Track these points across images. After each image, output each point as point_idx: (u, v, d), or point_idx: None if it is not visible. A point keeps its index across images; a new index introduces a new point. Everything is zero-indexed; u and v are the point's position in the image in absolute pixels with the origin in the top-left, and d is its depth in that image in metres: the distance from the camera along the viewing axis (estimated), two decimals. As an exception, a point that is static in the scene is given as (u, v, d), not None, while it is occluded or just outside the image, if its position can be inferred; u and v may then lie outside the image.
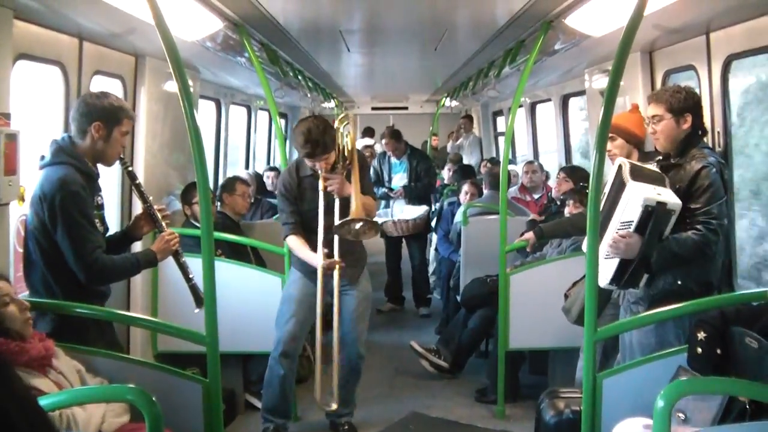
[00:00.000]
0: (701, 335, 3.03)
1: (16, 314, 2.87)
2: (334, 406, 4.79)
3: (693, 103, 3.73)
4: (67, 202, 3.37)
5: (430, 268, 9.25)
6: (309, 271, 4.79)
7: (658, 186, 3.53)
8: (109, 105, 3.57)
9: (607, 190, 3.78)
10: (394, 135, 8.88)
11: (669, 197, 3.48)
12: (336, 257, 4.69)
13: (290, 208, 4.84)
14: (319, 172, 4.72)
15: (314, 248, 4.72)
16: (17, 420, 1.38)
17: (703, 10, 4.18)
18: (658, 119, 3.75)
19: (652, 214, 3.45)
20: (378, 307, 8.56)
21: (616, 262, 3.60)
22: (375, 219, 5.02)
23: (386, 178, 8.91)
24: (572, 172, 6.28)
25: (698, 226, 3.51)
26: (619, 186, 3.65)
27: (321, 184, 4.72)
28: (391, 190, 8.81)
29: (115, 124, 3.58)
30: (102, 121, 3.53)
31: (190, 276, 3.73)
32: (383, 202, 8.98)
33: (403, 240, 8.64)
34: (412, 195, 8.70)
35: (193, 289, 3.71)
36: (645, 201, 3.45)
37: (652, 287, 3.67)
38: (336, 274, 4.69)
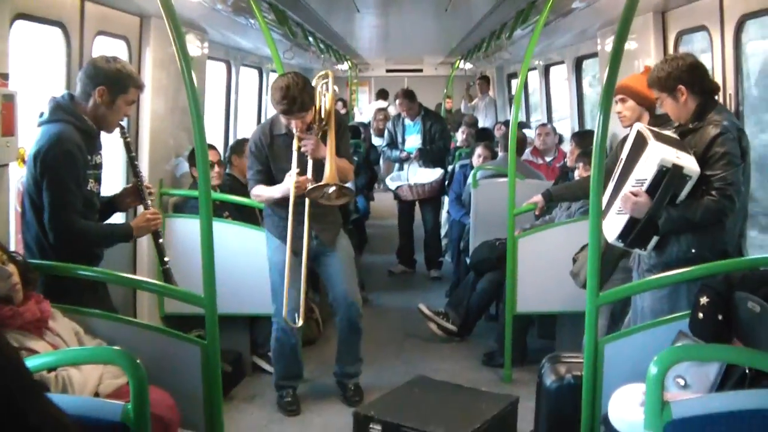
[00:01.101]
0: (704, 300, 3.00)
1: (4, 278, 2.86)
2: (300, 322, 4.71)
3: (680, 73, 3.60)
4: (59, 160, 3.35)
5: (442, 231, 9.21)
6: (283, 236, 4.71)
7: (679, 150, 3.47)
8: (116, 71, 3.53)
9: (625, 152, 3.72)
10: (407, 95, 8.72)
11: (688, 162, 3.41)
12: (306, 220, 4.60)
13: (258, 167, 4.77)
14: (294, 131, 4.62)
15: (285, 211, 4.61)
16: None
17: (717, -32, 4.09)
18: (660, 101, 3.71)
19: (666, 175, 3.39)
20: (390, 269, 8.76)
21: (625, 218, 3.56)
22: (349, 185, 4.92)
23: (400, 140, 8.76)
24: (582, 139, 6.19)
25: (713, 192, 3.43)
26: (640, 145, 3.58)
27: (295, 144, 4.63)
28: (406, 153, 8.65)
29: (120, 91, 3.55)
30: (107, 86, 3.50)
31: (165, 260, 3.72)
32: (396, 165, 8.97)
33: (417, 202, 8.61)
34: (427, 158, 8.55)
35: (166, 273, 3.71)
36: (661, 161, 3.39)
37: (666, 254, 3.61)
38: (306, 228, 4.60)
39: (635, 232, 3.54)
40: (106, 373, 2.95)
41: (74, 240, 3.47)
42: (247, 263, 5.12)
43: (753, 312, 2.79)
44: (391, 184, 8.61)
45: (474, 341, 6.25)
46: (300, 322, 4.68)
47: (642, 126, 3.71)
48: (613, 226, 3.60)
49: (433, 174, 8.36)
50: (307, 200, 4.60)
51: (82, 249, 3.54)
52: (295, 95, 4.47)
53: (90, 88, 3.50)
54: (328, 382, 5.23)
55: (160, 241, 3.79)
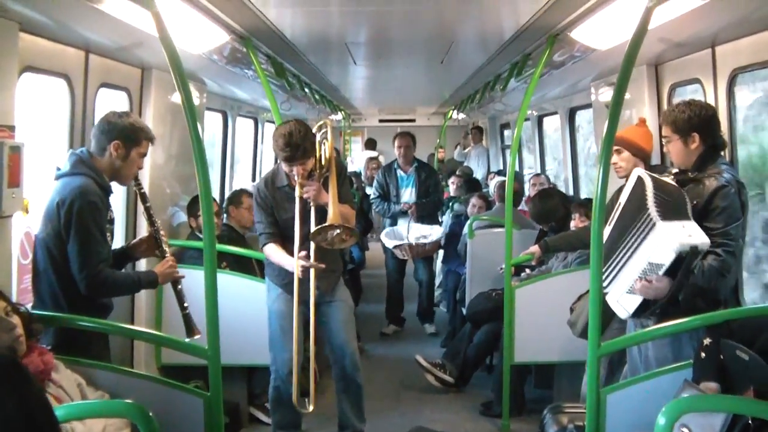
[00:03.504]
0: (707, 341, 3.06)
1: (1, 336, 2.86)
2: (311, 408, 4.70)
3: (699, 122, 3.62)
4: (85, 210, 3.44)
5: (437, 281, 9.20)
6: (285, 284, 4.76)
7: (684, 221, 3.40)
8: (129, 125, 3.65)
9: (623, 200, 3.72)
10: (409, 134, 8.44)
11: (699, 237, 3.34)
12: (312, 272, 4.61)
13: (268, 218, 4.78)
14: (296, 178, 4.65)
15: (291, 256, 4.63)
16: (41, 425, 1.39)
17: (709, 23, 4.17)
18: (668, 140, 3.71)
19: (685, 258, 3.34)
20: (382, 330, 8.34)
21: (639, 299, 3.51)
22: (385, 242, 4.92)
23: (393, 192, 8.29)
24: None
25: (717, 250, 3.42)
26: (639, 205, 3.53)
27: (297, 191, 4.65)
28: (408, 205, 8.08)
29: (134, 144, 3.66)
30: (121, 141, 3.62)
31: (185, 305, 3.76)
32: (388, 221, 8.48)
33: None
34: (423, 212, 8.14)
35: (187, 318, 3.75)
36: (679, 246, 3.31)
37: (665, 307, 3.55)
38: (312, 280, 4.61)
39: (651, 310, 3.51)
40: (109, 425, 2.93)
41: (103, 289, 3.53)
42: (245, 313, 5.10)
43: (742, 360, 2.84)
44: (388, 242, 7.86)
45: (471, 391, 6.23)
46: (310, 407, 4.69)
47: (642, 171, 3.69)
48: (625, 305, 3.56)
49: (433, 231, 7.92)
50: (312, 248, 4.61)
51: (107, 298, 3.62)
52: (298, 142, 4.51)
53: (105, 143, 3.61)
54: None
55: (180, 287, 3.83)
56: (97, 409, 2.79)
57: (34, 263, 3.56)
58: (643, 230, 3.50)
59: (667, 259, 3.37)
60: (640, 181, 3.63)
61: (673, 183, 3.63)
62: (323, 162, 4.80)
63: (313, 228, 4.60)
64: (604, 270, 3.56)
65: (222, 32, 4.93)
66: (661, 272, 3.40)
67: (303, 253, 4.58)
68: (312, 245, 4.61)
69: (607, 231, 3.70)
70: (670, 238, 3.34)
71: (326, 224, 4.54)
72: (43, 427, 1.43)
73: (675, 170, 3.77)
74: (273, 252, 4.76)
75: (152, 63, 5.17)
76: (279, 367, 4.74)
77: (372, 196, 8.66)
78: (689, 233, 3.35)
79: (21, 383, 1.42)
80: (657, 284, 3.42)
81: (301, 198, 4.64)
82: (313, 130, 4.82)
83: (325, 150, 4.84)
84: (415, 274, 8.32)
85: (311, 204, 4.66)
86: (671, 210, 3.46)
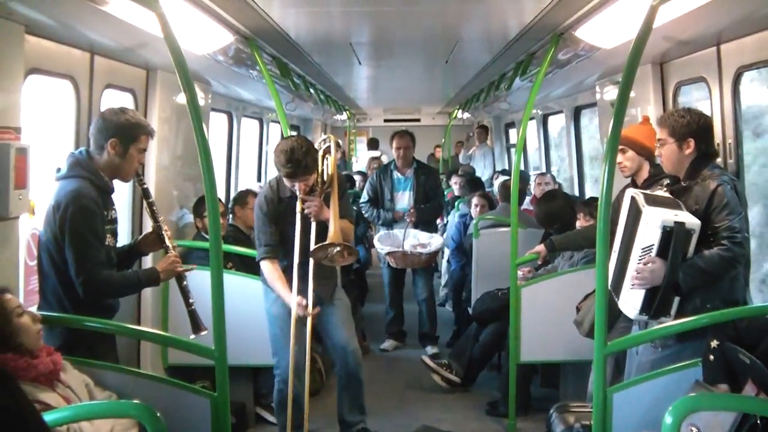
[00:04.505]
0: (714, 343, 3.05)
1: (29, 325, 2.89)
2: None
3: (697, 128, 3.66)
4: (77, 215, 3.41)
5: (442, 281, 9.20)
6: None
7: (675, 209, 3.49)
8: (125, 121, 3.60)
9: (622, 221, 3.74)
10: (408, 133, 7.70)
11: (686, 217, 3.43)
12: (310, 281, 4.63)
13: (270, 228, 4.75)
14: (297, 193, 4.65)
15: (290, 272, 4.65)
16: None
17: (714, 21, 4.17)
18: (662, 143, 3.73)
19: (672, 234, 3.38)
20: (381, 347, 7.59)
21: (642, 291, 3.52)
22: (378, 246, 4.88)
23: (388, 196, 7.51)
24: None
25: (723, 242, 3.44)
26: (635, 215, 3.60)
27: (299, 206, 4.66)
28: (401, 213, 7.36)
29: (131, 141, 3.61)
30: (118, 138, 3.57)
31: (191, 301, 3.73)
32: (381, 227, 7.68)
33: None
34: (422, 218, 7.35)
35: (192, 315, 3.72)
36: (663, 222, 3.39)
37: (681, 313, 3.52)
38: (310, 293, 4.63)
39: (657, 300, 3.49)
40: (117, 425, 2.94)
41: (102, 291, 3.52)
42: (250, 314, 5.09)
43: (744, 362, 2.84)
44: (381, 248, 7.13)
45: (476, 391, 6.23)
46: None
47: (635, 191, 3.74)
48: (631, 302, 3.56)
49: (432, 241, 7.13)
50: (311, 260, 4.63)
51: (109, 299, 3.61)
52: (300, 158, 4.50)
53: (102, 141, 3.57)
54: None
55: (185, 284, 3.78)
56: (105, 410, 2.80)
57: (39, 265, 3.56)
58: (635, 226, 3.56)
59: (654, 238, 3.43)
60: (633, 202, 3.67)
61: (667, 194, 3.65)
62: (325, 178, 4.80)
63: (313, 241, 4.63)
64: (613, 285, 3.59)
65: (226, 33, 4.94)
66: (653, 254, 3.44)
67: (303, 300, 4.58)
68: (311, 260, 4.64)
69: (613, 258, 3.71)
70: (655, 218, 3.42)
71: (327, 242, 4.56)
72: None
73: (666, 181, 3.80)
74: (269, 274, 4.75)
75: (157, 64, 5.18)
76: (282, 370, 4.75)
77: (361, 200, 7.88)
78: (675, 213, 3.42)
79: (11, 390, 1.42)
80: (651, 267, 3.45)
81: (302, 212, 4.66)
82: (316, 145, 4.82)
83: (327, 165, 4.84)
84: (415, 292, 7.51)
85: (312, 219, 4.68)
86: (661, 204, 3.52)
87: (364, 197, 7.75)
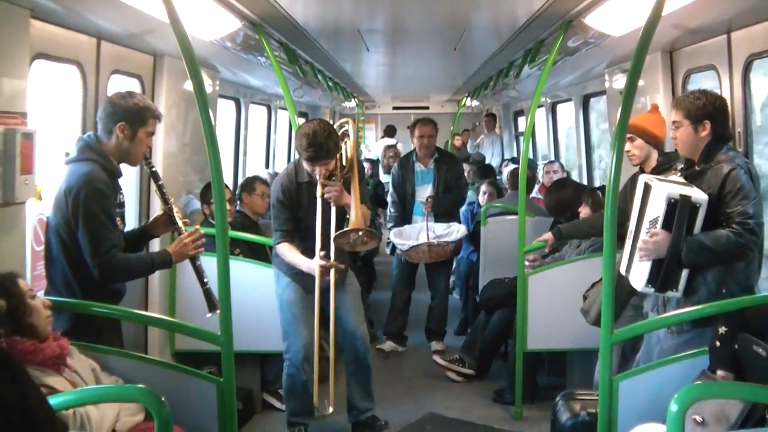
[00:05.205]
0: (722, 329, 3.05)
1: (41, 308, 2.91)
2: (331, 410, 4.80)
3: (713, 110, 3.63)
4: (91, 198, 3.41)
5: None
6: (294, 273, 4.78)
7: (684, 186, 3.49)
8: (134, 105, 3.60)
9: (636, 205, 3.74)
10: (431, 121, 7.18)
11: (694, 192, 3.43)
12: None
13: (286, 215, 4.75)
14: (317, 178, 4.64)
15: (309, 256, 4.65)
16: (25, 417, 1.38)
17: (724, 9, 4.13)
18: (677, 125, 3.70)
19: (676, 207, 3.40)
20: (378, 346, 6.99)
21: (649, 263, 3.54)
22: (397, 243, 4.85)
23: (410, 191, 7.08)
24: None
25: (735, 226, 3.42)
26: (646, 193, 3.62)
27: (319, 191, 4.64)
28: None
29: (139, 124, 3.61)
30: (127, 122, 3.57)
31: (205, 281, 3.72)
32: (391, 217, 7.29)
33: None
34: (440, 208, 6.93)
35: (207, 293, 3.70)
36: (668, 195, 3.41)
37: (696, 296, 3.53)
38: (332, 275, 4.63)
39: (663, 271, 3.50)
40: (124, 410, 2.96)
41: (117, 273, 3.54)
42: (258, 300, 5.11)
43: (759, 355, 2.82)
44: (400, 243, 6.74)
45: (484, 379, 6.23)
46: (330, 409, 4.78)
47: (648, 177, 3.74)
48: (639, 275, 3.58)
49: (452, 229, 6.78)
50: (332, 246, 4.63)
51: (122, 281, 3.65)
52: (321, 142, 4.48)
53: (111, 126, 3.57)
54: (340, 419, 5.19)
55: (198, 263, 3.77)
56: (110, 394, 2.81)
57: (47, 249, 3.56)
58: (644, 203, 3.60)
59: (660, 209, 3.45)
60: (646, 186, 3.67)
61: (681, 179, 3.63)
62: (344, 162, 4.78)
63: (333, 227, 4.62)
64: (627, 265, 3.60)
65: (234, 19, 4.92)
66: (658, 226, 3.46)
67: (323, 252, 4.59)
68: (332, 246, 4.63)
69: (628, 245, 3.73)
70: (662, 191, 3.45)
71: (349, 228, 4.56)
72: (39, 416, 1.41)
73: (680, 165, 3.77)
74: (287, 252, 4.75)
75: (164, 50, 5.17)
76: (293, 354, 4.76)
77: (390, 202, 7.35)
78: (682, 187, 3.44)
79: (15, 374, 1.41)
80: (655, 238, 3.47)
81: (322, 197, 4.64)
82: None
83: (346, 150, 4.82)
84: (430, 282, 7.09)
85: (332, 204, 4.66)
86: (671, 182, 3.53)
87: (391, 198, 7.29)
